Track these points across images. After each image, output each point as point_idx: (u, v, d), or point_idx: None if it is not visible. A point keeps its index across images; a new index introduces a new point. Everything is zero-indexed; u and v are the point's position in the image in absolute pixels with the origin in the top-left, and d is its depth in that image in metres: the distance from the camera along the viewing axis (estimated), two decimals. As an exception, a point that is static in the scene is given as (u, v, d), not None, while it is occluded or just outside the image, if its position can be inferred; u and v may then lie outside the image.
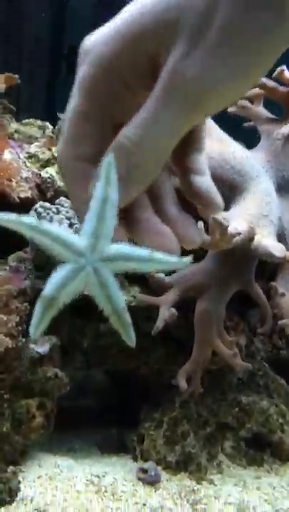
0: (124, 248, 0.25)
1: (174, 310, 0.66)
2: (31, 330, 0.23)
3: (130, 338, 0.25)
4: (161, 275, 0.69)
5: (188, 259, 0.24)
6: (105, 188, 0.24)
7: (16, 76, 0.95)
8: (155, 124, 0.23)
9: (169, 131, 0.24)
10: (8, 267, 0.72)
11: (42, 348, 0.64)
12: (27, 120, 0.92)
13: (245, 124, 0.82)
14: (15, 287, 0.65)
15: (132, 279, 0.72)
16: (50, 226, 0.24)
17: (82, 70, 0.24)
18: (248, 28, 0.22)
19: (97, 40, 0.24)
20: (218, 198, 0.27)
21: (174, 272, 0.72)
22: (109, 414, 0.86)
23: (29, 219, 0.24)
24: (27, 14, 1.69)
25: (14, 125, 0.88)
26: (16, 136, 0.85)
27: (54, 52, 1.89)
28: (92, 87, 0.24)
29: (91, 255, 0.25)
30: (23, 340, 0.62)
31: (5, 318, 0.60)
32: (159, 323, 0.66)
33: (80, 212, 0.26)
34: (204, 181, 0.28)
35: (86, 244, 0.25)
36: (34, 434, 0.64)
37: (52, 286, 0.24)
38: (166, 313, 0.67)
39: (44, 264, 0.69)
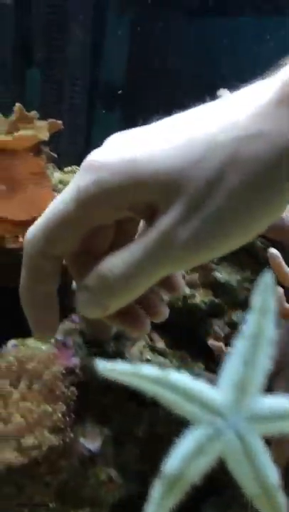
0: (281, 402, 0.17)
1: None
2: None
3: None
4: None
5: None
6: (258, 320, 0.18)
7: (60, 122, 0.90)
8: (138, 269, 0.25)
9: (149, 278, 0.26)
10: (52, 341, 0.64)
11: (93, 445, 0.54)
12: (69, 168, 0.87)
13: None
14: (61, 367, 0.56)
15: (196, 354, 0.63)
16: (179, 378, 0.16)
17: (84, 181, 0.25)
18: (244, 206, 0.23)
19: (106, 164, 0.25)
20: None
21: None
22: None
23: (150, 370, 0.16)
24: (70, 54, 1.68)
25: (57, 174, 0.82)
26: (59, 186, 0.79)
27: (91, 90, 1.88)
28: (88, 204, 0.25)
29: (234, 414, 0.17)
30: (71, 435, 0.53)
31: (50, 410, 0.51)
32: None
33: (22, 297, 0.30)
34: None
35: (227, 400, 0.17)
36: None
37: (176, 460, 0.17)
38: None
39: (96, 335, 0.60)
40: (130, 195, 0.25)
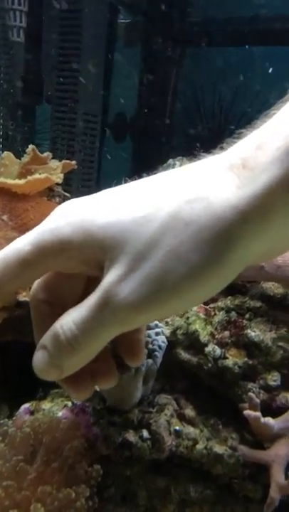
0: None
1: (294, 477, 0.51)
2: None
3: None
4: (270, 419, 0.54)
5: None
6: None
7: (73, 162, 0.87)
8: (85, 329, 0.26)
9: (98, 337, 0.26)
10: (68, 405, 0.59)
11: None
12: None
13: None
14: (82, 441, 0.51)
15: (229, 421, 0.58)
16: None
17: (43, 227, 0.27)
18: (180, 267, 0.25)
19: (66, 216, 0.27)
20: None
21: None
22: None
23: None
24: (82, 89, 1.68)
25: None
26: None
27: (103, 124, 1.87)
28: (41, 247, 0.27)
29: None
30: (95, 521, 0.48)
31: (73, 494, 0.46)
32: (274, 494, 0.51)
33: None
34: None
35: None
36: None
37: None
38: (280, 477, 0.52)
39: (117, 401, 0.55)
40: (82, 247, 0.26)
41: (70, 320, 0.27)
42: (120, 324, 0.26)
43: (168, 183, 0.27)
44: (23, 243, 0.28)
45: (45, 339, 0.27)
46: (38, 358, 0.28)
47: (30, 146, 0.84)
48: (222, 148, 0.28)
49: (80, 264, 0.27)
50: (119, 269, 0.26)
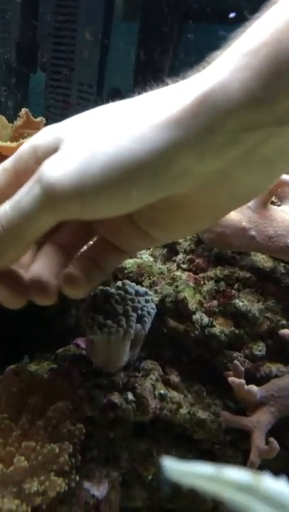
0: None
1: (275, 442, 0.52)
2: None
3: None
4: (254, 387, 0.55)
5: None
6: None
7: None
8: (18, 208, 0.28)
9: (30, 218, 0.28)
10: (54, 367, 0.60)
11: (99, 491, 0.50)
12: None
13: None
14: (68, 402, 0.52)
15: (213, 388, 0.59)
16: (275, 487, 0.13)
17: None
18: (109, 148, 0.27)
19: (44, 129, 0.31)
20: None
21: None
22: None
23: (236, 474, 0.13)
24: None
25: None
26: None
27: (98, 97, 1.85)
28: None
29: None
30: (77, 477, 0.49)
31: (56, 450, 0.47)
32: (254, 458, 0.52)
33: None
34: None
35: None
36: None
37: None
38: (260, 443, 0.53)
39: (104, 364, 0.56)
40: (48, 148, 0.29)
41: (6, 204, 0.29)
42: (50, 204, 0.27)
43: (130, 113, 0.29)
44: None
45: None
46: None
47: (23, 110, 0.83)
48: None
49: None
50: (58, 152, 0.28)
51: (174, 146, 0.25)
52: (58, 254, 0.35)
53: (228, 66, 0.24)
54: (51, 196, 0.27)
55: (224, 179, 0.28)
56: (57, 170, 0.27)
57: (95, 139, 0.27)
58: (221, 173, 0.27)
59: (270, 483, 0.13)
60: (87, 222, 0.36)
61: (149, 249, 0.68)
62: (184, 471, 0.13)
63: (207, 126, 0.25)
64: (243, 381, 0.54)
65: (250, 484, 0.13)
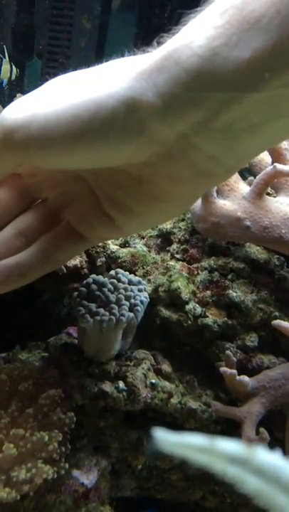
0: None
1: (265, 433, 0.53)
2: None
3: None
4: (245, 377, 0.56)
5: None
6: None
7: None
8: None
9: None
10: (45, 355, 0.60)
11: (88, 479, 0.50)
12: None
13: None
14: (58, 390, 0.52)
15: (204, 379, 0.60)
16: (269, 459, 0.13)
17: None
18: (63, 95, 0.29)
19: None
20: None
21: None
22: None
23: (229, 446, 0.13)
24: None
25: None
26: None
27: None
28: None
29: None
30: (66, 465, 0.49)
31: (46, 438, 0.47)
32: (244, 448, 0.53)
33: None
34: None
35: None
36: None
37: None
38: (251, 433, 0.54)
39: (95, 353, 0.56)
40: None
41: None
42: (7, 143, 0.29)
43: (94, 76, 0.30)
44: None
45: None
46: None
47: (18, 95, 0.83)
48: None
49: None
50: (21, 98, 0.30)
51: (138, 95, 0.26)
52: (15, 238, 0.36)
53: (196, 27, 0.25)
54: (6, 133, 0.28)
55: (187, 147, 0.28)
56: (15, 112, 0.29)
57: (60, 88, 0.29)
58: (183, 139, 0.27)
59: (264, 456, 0.13)
60: (55, 209, 0.37)
61: (143, 238, 0.67)
62: (176, 442, 0.13)
63: (169, 81, 0.25)
64: (234, 371, 0.54)
65: (244, 456, 0.13)
